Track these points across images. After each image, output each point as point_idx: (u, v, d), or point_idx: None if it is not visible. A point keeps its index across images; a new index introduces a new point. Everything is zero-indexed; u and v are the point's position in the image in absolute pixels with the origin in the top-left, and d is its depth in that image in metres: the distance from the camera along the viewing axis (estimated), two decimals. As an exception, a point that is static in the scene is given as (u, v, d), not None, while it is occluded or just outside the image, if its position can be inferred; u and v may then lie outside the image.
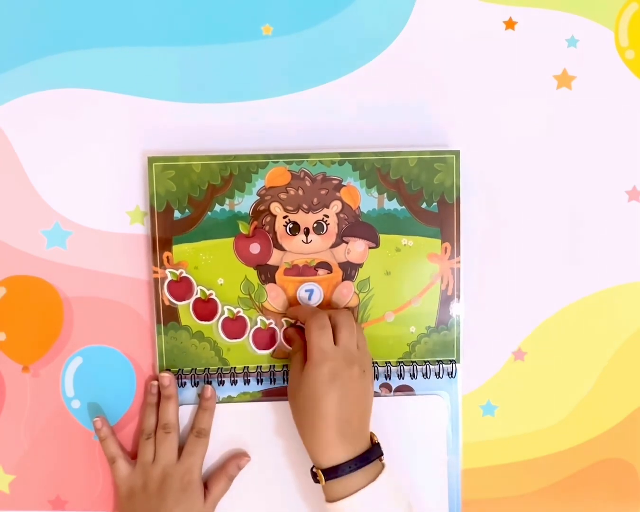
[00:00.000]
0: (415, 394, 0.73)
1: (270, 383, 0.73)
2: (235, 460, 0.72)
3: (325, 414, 0.64)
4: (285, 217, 0.71)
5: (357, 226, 0.72)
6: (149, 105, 0.72)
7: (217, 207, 0.71)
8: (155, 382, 0.72)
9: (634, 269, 0.75)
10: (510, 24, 0.73)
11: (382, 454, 0.66)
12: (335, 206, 0.72)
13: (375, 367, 0.72)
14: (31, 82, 0.72)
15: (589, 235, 0.74)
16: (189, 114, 0.72)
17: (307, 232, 0.71)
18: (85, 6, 0.71)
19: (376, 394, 0.72)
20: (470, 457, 0.74)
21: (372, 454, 0.65)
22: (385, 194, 0.72)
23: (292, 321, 0.72)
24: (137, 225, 0.73)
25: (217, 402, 0.73)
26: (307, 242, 0.72)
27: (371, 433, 0.67)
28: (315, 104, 0.72)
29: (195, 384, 0.72)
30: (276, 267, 0.72)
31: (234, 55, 0.72)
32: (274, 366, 0.72)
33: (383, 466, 0.65)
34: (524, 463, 0.75)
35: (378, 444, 0.66)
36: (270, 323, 0.72)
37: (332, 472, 0.63)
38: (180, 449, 0.71)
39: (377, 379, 0.72)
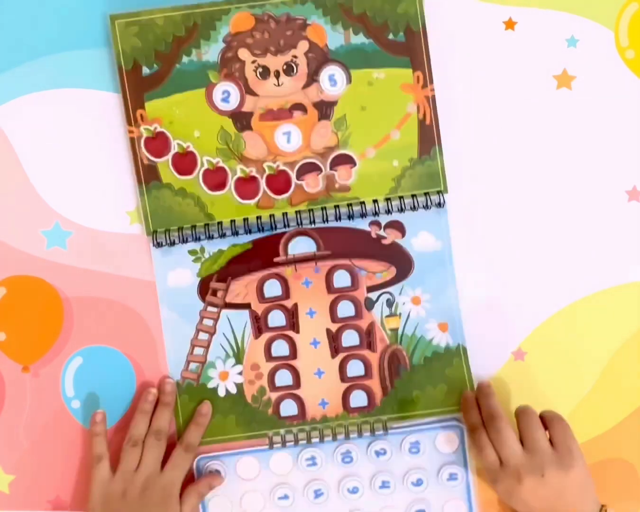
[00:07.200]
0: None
1: (259, 231, 0.72)
2: (207, 479, 0.71)
3: None
4: (253, 61, 0.71)
5: (326, 64, 0.72)
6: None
7: (185, 59, 0.71)
8: (153, 390, 0.71)
9: (634, 269, 0.75)
10: (510, 24, 0.74)
11: None
12: (303, 46, 0.72)
13: (362, 207, 0.71)
14: (31, 82, 0.72)
15: (589, 235, 0.74)
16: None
17: (277, 75, 0.71)
18: (86, 6, 0.72)
19: (366, 233, 0.72)
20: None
21: None
22: (350, 29, 0.72)
23: (274, 166, 0.71)
24: (137, 225, 0.73)
25: (207, 258, 0.72)
26: (278, 85, 0.71)
27: (602, 508, 0.67)
28: None
29: (184, 241, 0.71)
30: (251, 114, 0.72)
31: None
32: (260, 217, 0.72)
33: None
34: (524, 463, 0.75)
35: None
36: (251, 171, 0.72)
37: None
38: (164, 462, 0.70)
39: (365, 217, 0.72)
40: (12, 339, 0.73)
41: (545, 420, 0.68)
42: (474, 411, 0.70)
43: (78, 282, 0.73)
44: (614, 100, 0.74)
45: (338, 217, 0.72)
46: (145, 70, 0.71)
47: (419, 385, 0.73)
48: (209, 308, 0.73)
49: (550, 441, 0.67)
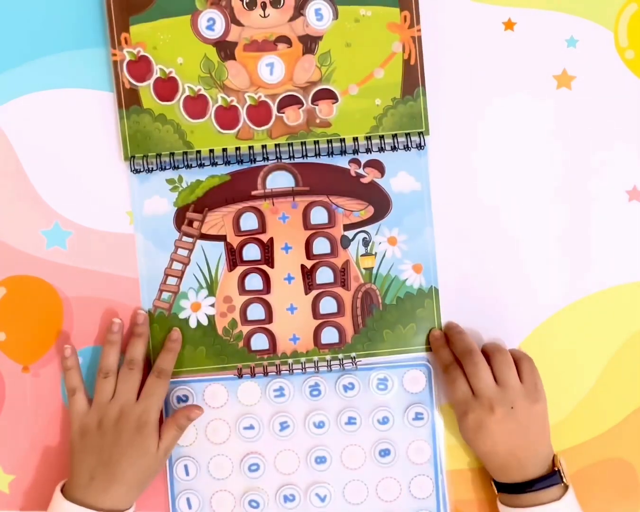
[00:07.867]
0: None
1: (238, 164, 0.72)
2: (185, 411, 0.70)
3: (482, 454, 0.69)
4: None
5: None
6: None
7: None
8: (117, 320, 0.71)
9: (634, 269, 0.75)
10: (509, 25, 0.74)
11: (555, 484, 0.67)
12: None
13: (342, 143, 0.72)
14: (31, 82, 0.72)
15: (589, 235, 0.74)
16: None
17: (264, 6, 0.71)
18: (86, 6, 0.72)
19: (345, 171, 0.73)
20: (471, 457, 0.74)
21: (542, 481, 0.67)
22: None
23: (256, 97, 0.71)
24: (137, 225, 0.73)
25: (185, 188, 0.72)
26: (264, 16, 0.71)
27: (555, 457, 0.69)
28: None
29: (163, 169, 0.71)
30: (235, 44, 0.71)
31: None
32: (239, 148, 0.72)
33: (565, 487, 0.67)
34: (524, 463, 0.75)
35: (556, 472, 0.67)
36: (232, 101, 0.71)
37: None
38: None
39: (345, 154, 0.72)
40: (12, 339, 0.73)
41: (514, 358, 0.70)
42: (445, 348, 0.72)
43: (78, 282, 0.73)
44: (614, 100, 0.74)
45: (317, 153, 0.72)
46: None
47: (389, 324, 0.73)
48: (184, 238, 0.73)
49: (519, 377, 0.69)
